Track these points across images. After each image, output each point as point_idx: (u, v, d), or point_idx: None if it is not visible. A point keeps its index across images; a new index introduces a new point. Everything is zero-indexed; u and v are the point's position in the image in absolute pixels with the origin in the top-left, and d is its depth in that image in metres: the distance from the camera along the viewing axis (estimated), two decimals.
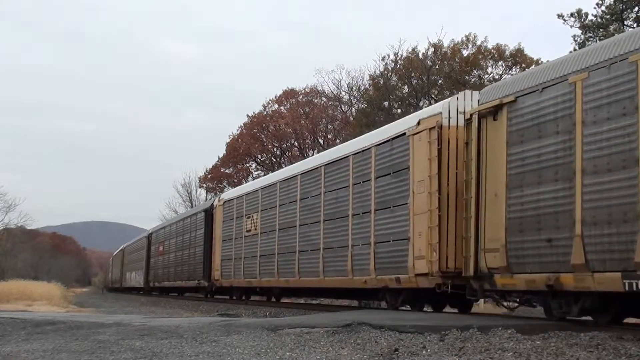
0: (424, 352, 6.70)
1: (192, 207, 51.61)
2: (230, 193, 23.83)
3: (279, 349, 6.95)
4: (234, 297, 23.61)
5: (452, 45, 35.82)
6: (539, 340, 6.99)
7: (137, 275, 42.94)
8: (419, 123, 11.64)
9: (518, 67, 34.81)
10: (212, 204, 24.64)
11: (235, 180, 49.79)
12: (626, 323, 8.71)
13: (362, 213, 13.23)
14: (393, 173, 12.25)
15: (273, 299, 21.65)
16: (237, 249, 20.72)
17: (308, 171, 16.11)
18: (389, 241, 12.21)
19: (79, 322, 9.98)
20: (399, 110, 35.74)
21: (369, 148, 13.23)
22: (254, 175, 48.64)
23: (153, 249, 37.60)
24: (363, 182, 13.30)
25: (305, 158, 38.56)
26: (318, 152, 40.68)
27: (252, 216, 19.61)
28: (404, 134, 11.97)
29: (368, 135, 14.75)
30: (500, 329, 7.62)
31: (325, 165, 15.18)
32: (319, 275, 14.99)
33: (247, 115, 50.84)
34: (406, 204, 11.66)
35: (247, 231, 19.96)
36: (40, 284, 38.60)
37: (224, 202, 22.69)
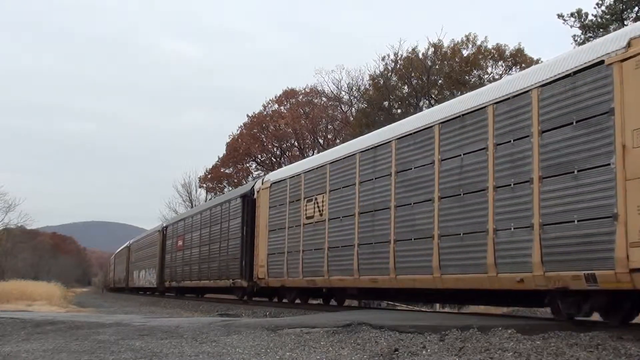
0: (424, 352, 6.70)
1: (192, 207, 51.52)
2: (279, 173, 19.38)
3: (279, 349, 6.95)
4: (285, 300, 19.51)
5: (452, 45, 35.86)
6: (539, 340, 6.99)
7: (148, 274, 37.99)
8: (629, 45, 8.27)
9: (518, 67, 34.82)
10: (253, 187, 20.48)
11: (235, 180, 49.83)
12: (626, 323, 8.70)
13: (515, 184, 9.66)
14: (577, 122, 8.77)
15: (333, 302, 18.34)
16: (293, 241, 16.70)
17: (410, 134, 12.19)
18: (572, 221, 8.63)
19: (79, 322, 9.98)
20: (399, 111, 35.77)
21: (526, 92, 9.61)
22: (254, 175, 48.67)
23: (169, 243, 32.52)
24: (515, 140, 9.69)
25: (304, 158, 38.53)
26: (318, 152, 40.72)
27: (316, 199, 15.61)
28: (601, 62, 8.56)
29: (517, 76, 11.09)
30: (500, 329, 7.62)
31: (442, 123, 11.28)
32: (431, 272, 11.14)
33: (247, 115, 50.94)
34: (608, 165, 8.25)
35: (308, 218, 15.95)
36: (40, 284, 38.70)
37: (270, 185, 18.42)
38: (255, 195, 19.83)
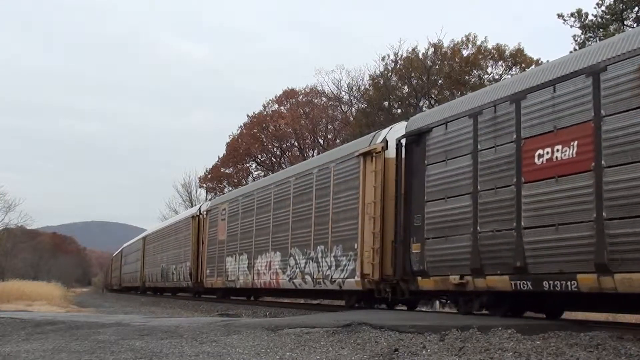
0: (424, 352, 6.70)
1: (192, 207, 51.37)
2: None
3: (279, 349, 6.95)
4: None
5: (452, 45, 35.88)
6: (539, 340, 6.99)
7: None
8: None
9: (518, 67, 34.84)
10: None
11: (235, 180, 49.85)
12: (626, 323, 8.71)
13: None
14: None
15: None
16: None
17: None
18: None
19: (79, 322, 9.98)
20: (399, 111, 35.79)
21: None
22: (254, 176, 48.73)
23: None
24: None
25: (305, 159, 38.34)
26: (318, 153, 40.73)
27: None
28: None
29: None
30: (500, 329, 7.62)
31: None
32: None
33: (247, 115, 50.98)
34: None
35: None
36: (40, 284, 38.70)
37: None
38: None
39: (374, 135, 13.58)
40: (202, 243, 24.94)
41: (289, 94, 49.67)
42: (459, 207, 10.23)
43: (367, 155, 13.20)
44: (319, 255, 14.85)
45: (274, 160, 49.95)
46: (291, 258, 16.32)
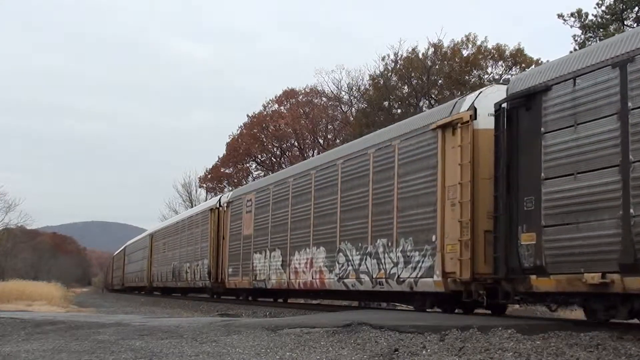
0: (424, 352, 6.70)
1: (192, 207, 51.42)
2: None
3: (279, 349, 6.95)
4: None
5: (452, 45, 35.87)
6: (539, 340, 6.99)
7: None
8: None
9: (518, 67, 34.84)
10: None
11: (235, 180, 49.85)
12: (626, 323, 8.70)
13: None
14: None
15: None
16: None
17: None
18: None
19: (79, 322, 9.98)
20: (399, 111, 35.78)
21: None
22: (254, 175, 48.73)
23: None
24: None
25: (305, 159, 38.26)
26: (318, 153, 40.73)
27: None
28: None
29: None
30: (500, 329, 7.62)
31: None
32: None
33: (247, 115, 50.99)
34: None
35: None
36: (40, 284, 38.62)
37: None
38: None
39: (455, 103, 11.22)
40: (223, 238, 22.42)
41: (289, 94, 49.67)
42: (599, 185, 7.92)
43: (447, 127, 10.91)
44: (380, 250, 12.51)
45: (274, 160, 49.95)
46: (340, 254, 14.04)
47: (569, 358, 6.14)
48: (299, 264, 16.14)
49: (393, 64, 37.30)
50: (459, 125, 10.62)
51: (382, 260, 12.46)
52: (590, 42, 25.71)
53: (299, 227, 16.30)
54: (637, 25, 24.86)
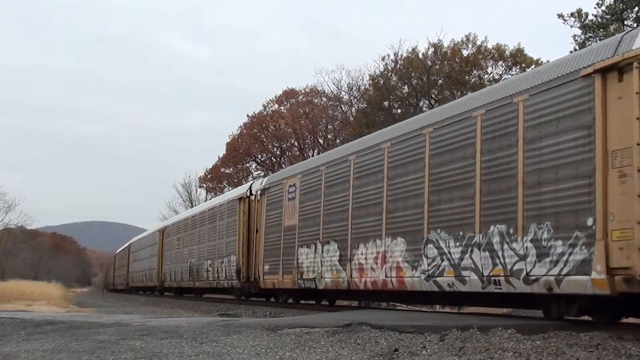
0: (424, 352, 6.70)
1: (192, 207, 51.45)
2: None
3: (279, 349, 6.95)
4: None
5: (452, 45, 35.90)
6: (539, 340, 6.99)
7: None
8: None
9: (518, 67, 34.86)
10: None
11: (235, 180, 49.86)
12: (626, 323, 8.70)
13: None
14: None
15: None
16: None
17: None
18: None
19: (79, 322, 9.98)
20: (399, 111, 35.79)
21: None
22: (254, 175, 48.74)
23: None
24: None
25: (305, 159, 38.29)
26: (318, 153, 40.73)
27: None
28: None
29: None
30: (500, 329, 7.62)
31: None
32: None
33: (247, 115, 51.05)
34: None
35: None
36: (40, 284, 38.66)
37: None
38: None
39: (621, 39, 8.34)
40: (256, 231, 19.37)
41: (289, 94, 49.70)
42: None
43: (609, 71, 8.15)
44: (496, 239, 9.68)
45: (274, 160, 49.97)
46: (429, 246, 11.19)
47: (569, 358, 6.14)
48: (366, 259, 13.29)
49: (393, 64, 37.36)
50: (634, 65, 7.78)
51: (500, 253, 9.67)
52: (590, 43, 25.73)
53: (365, 214, 13.46)
54: (638, 25, 24.86)
